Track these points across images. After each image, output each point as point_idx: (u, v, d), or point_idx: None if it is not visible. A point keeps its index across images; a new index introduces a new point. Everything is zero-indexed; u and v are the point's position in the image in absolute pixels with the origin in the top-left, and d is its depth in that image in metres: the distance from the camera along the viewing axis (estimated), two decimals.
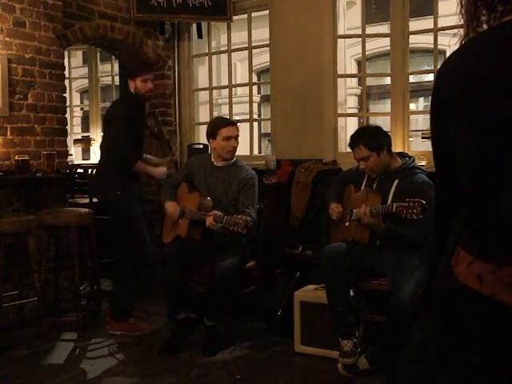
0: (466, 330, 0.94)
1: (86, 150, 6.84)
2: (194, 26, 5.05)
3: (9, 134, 3.81)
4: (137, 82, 3.75)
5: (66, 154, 4.30)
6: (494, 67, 0.89)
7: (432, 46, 4.12)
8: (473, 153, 0.93)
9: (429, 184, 3.07)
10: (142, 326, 3.83)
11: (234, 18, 4.82)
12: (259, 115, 8.94)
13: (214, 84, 5.38)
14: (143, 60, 3.97)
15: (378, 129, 3.25)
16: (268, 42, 4.69)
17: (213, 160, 3.63)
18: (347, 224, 3.26)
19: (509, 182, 0.87)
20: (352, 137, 3.23)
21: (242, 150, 4.90)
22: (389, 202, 3.09)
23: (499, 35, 0.91)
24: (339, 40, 4.37)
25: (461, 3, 0.99)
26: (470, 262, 0.93)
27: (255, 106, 7.05)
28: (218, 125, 3.56)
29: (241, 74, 8.18)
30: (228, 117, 4.27)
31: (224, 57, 5.37)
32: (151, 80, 3.81)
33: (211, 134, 3.55)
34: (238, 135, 3.56)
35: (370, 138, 3.13)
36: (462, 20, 0.99)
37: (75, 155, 6.39)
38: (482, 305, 0.90)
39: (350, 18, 4.82)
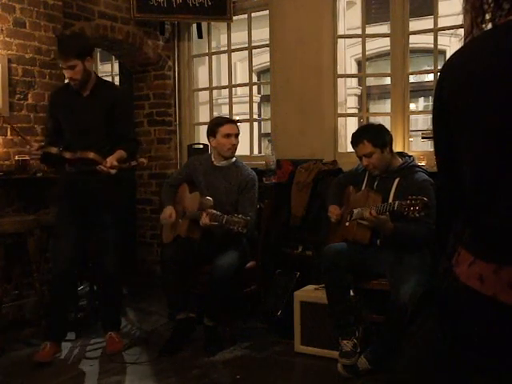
0: (466, 331, 0.94)
1: None
2: (194, 26, 5.05)
3: (9, 134, 3.80)
4: None
5: None
6: (501, 65, 0.88)
7: (432, 46, 4.12)
8: (477, 151, 0.92)
9: (429, 182, 3.08)
10: (45, 352, 3.29)
11: (234, 18, 4.82)
12: (259, 115, 8.93)
13: (214, 84, 5.38)
14: (62, 46, 3.39)
15: (382, 126, 3.29)
16: (268, 42, 4.69)
17: (213, 159, 3.64)
18: (347, 224, 3.26)
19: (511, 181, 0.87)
20: (355, 133, 3.24)
21: (242, 150, 4.90)
22: (390, 200, 3.08)
23: (506, 33, 0.90)
24: (339, 40, 4.37)
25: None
26: (472, 261, 0.93)
27: (255, 105, 7.05)
28: (217, 123, 3.60)
29: (241, 74, 8.17)
30: (228, 116, 4.27)
31: (224, 57, 5.37)
32: (68, 67, 3.26)
33: (211, 132, 3.58)
34: (237, 134, 3.58)
35: (374, 134, 3.15)
36: (466, 16, 0.98)
37: None
38: (483, 305, 0.90)
39: (350, 18, 4.82)
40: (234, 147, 3.57)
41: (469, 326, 0.93)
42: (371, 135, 3.14)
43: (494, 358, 0.90)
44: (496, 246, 0.90)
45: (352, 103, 7.93)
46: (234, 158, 3.68)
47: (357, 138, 3.19)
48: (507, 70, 0.87)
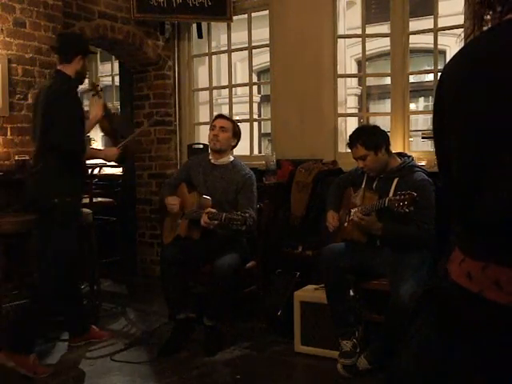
0: (459, 329, 0.95)
1: None
2: (194, 26, 5.06)
3: (9, 134, 3.81)
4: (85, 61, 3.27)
5: None
6: (493, 66, 0.89)
7: (432, 46, 4.12)
8: (465, 150, 0.94)
9: (428, 182, 3.07)
10: (40, 367, 3.11)
11: (234, 18, 4.82)
12: (259, 115, 8.94)
13: (214, 84, 5.38)
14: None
15: (375, 128, 3.27)
16: (268, 42, 4.69)
17: (210, 158, 3.66)
18: (346, 224, 3.26)
19: (497, 180, 0.88)
20: (350, 136, 3.25)
21: (242, 150, 4.92)
22: None
23: (498, 35, 0.92)
24: (339, 40, 4.37)
25: (467, 1, 1.00)
26: (462, 259, 0.95)
27: (255, 105, 7.05)
28: (213, 119, 3.79)
29: (241, 74, 8.17)
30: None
31: (224, 57, 5.37)
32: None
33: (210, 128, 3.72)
34: (224, 127, 3.63)
35: (366, 137, 3.14)
36: (467, 18, 1.00)
37: None
38: (471, 302, 0.92)
39: (350, 18, 4.82)
40: (216, 138, 3.61)
41: (461, 324, 0.94)
42: (363, 138, 3.13)
43: (485, 356, 0.90)
44: (483, 245, 0.92)
45: (352, 103, 7.94)
46: (232, 158, 3.69)
47: (350, 142, 3.20)
48: (497, 71, 0.88)
